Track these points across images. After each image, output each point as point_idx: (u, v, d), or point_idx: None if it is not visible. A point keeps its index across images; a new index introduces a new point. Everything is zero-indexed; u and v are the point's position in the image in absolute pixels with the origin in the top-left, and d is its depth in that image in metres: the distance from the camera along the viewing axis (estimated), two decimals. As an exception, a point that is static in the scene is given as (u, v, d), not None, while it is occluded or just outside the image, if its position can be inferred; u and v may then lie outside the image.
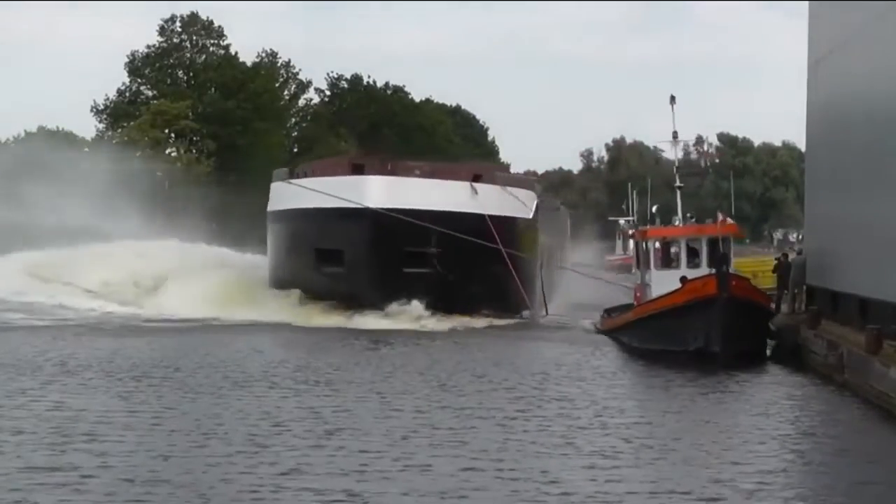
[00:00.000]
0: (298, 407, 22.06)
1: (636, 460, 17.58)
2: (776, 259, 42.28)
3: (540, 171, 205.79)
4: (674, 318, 31.25)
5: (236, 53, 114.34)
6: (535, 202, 50.99)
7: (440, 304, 42.51)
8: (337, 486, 15.45)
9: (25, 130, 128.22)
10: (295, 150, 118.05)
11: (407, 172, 46.56)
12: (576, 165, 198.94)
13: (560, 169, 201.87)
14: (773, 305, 35.88)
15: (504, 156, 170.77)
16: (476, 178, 46.34)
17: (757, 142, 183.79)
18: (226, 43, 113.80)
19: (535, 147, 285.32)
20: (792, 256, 41.42)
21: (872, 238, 30.72)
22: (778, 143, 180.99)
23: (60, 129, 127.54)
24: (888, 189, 29.46)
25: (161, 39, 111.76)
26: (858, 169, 33.12)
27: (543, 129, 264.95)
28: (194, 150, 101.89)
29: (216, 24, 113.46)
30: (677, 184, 37.01)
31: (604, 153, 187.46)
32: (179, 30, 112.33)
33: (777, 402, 24.69)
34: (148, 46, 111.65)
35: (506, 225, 45.24)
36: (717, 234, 34.62)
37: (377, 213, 42.99)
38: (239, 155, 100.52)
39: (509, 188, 47.57)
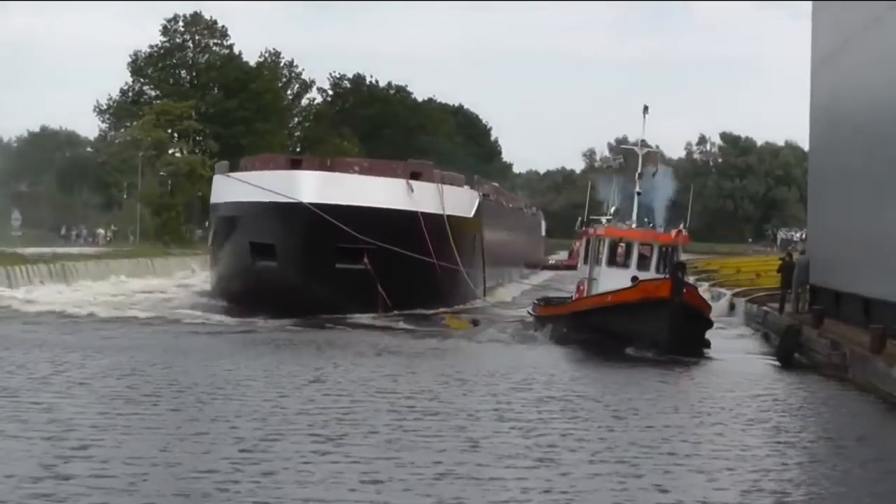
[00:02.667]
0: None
1: (658, 469, 17.10)
2: (781, 259, 42.31)
3: (542, 171, 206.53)
4: (623, 314, 32.23)
5: (239, 53, 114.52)
6: (477, 201, 51.02)
7: (371, 301, 42.25)
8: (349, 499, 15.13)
9: (28, 130, 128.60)
10: (298, 150, 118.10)
11: (344, 169, 46.56)
12: (578, 165, 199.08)
13: (563, 168, 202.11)
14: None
15: (506, 155, 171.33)
16: (414, 176, 46.34)
17: (760, 141, 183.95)
18: (229, 43, 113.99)
19: (537, 147, 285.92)
20: (796, 256, 41.42)
21: (876, 238, 30.71)
22: (781, 143, 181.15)
23: (63, 128, 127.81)
24: (892, 189, 29.46)
25: (164, 39, 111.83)
26: (862, 168, 33.11)
27: (546, 128, 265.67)
28: (197, 151, 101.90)
29: (219, 23, 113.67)
30: (637, 190, 37.83)
31: (606, 152, 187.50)
32: (182, 29, 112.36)
33: (784, 403, 24.60)
34: (151, 46, 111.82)
35: (439, 223, 45.15)
36: (670, 242, 35.93)
37: (309, 207, 43.00)
38: (242, 155, 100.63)
39: (447, 186, 47.46)
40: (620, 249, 36.21)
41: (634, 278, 33.81)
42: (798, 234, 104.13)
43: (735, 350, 35.02)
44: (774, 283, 43.37)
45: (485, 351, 34.11)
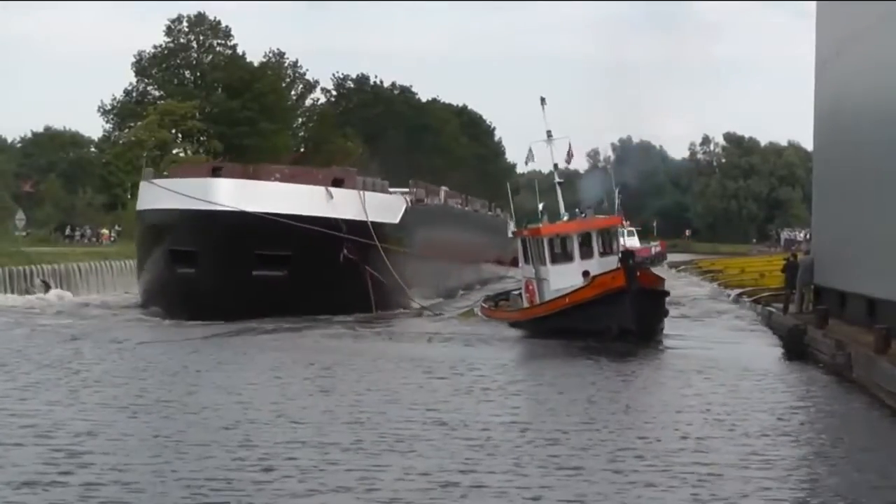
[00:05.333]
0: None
1: (672, 476, 16.78)
2: (785, 259, 42.37)
3: (545, 171, 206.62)
4: (587, 310, 33.40)
5: (243, 53, 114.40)
6: (404, 207, 51.25)
7: (288, 308, 41.94)
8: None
9: (32, 130, 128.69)
10: (302, 150, 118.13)
11: (266, 177, 46.78)
12: (582, 165, 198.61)
13: (566, 168, 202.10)
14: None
15: (510, 156, 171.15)
16: (336, 183, 46.56)
17: (763, 142, 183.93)
18: (232, 43, 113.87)
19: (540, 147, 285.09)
20: (800, 256, 41.48)
21: (880, 237, 30.70)
22: (784, 143, 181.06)
23: (67, 129, 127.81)
24: (896, 189, 29.47)
25: (168, 39, 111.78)
26: (865, 168, 33.11)
27: (549, 129, 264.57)
28: (202, 151, 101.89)
29: (223, 24, 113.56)
30: (557, 180, 39.47)
31: (610, 153, 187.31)
32: (186, 30, 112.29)
33: (789, 404, 24.49)
34: (155, 46, 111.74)
35: (361, 229, 45.19)
36: (606, 226, 37.76)
37: (226, 213, 43.21)
38: (245, 156, 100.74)
39: (370, 193, 47.69)
40: (558, 244, 37.09)
41: (586, 272, 34.51)
42: (802, 235, 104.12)
43: (739, 350, 34.97)
44: (779, 283, 43.44)
45: (481, 348, 34.12)
